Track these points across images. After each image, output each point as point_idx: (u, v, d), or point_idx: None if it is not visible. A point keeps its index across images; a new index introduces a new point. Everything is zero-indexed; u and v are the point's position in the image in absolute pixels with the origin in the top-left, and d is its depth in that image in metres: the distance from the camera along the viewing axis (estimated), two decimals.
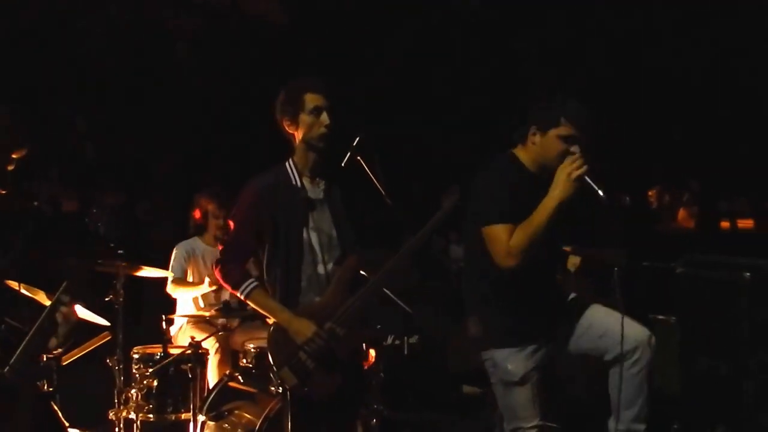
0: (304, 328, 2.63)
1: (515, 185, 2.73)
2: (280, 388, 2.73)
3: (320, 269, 2.73)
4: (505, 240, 2.62)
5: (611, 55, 9.18)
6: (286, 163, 2.80)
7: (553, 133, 2.71)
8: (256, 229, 2.72)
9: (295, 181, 2.75)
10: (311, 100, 2.71)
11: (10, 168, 2.21)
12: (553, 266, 2.99)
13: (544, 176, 2.73)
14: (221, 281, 2.80)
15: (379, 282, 2.82)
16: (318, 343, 2.62)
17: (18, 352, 2.03)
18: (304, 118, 2.71)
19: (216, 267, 2.77)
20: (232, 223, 2.82)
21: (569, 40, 9.25)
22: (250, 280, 2.70)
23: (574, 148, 2.67)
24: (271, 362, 2.67)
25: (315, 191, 2.78)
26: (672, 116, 9.31)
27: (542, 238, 2.61)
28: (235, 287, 2.71)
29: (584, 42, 9.27)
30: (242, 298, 2.71)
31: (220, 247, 2.95)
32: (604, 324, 2.87)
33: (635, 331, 2.81)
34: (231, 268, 2.72)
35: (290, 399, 2.66)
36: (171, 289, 4.28)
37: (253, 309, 2.86)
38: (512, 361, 2.78)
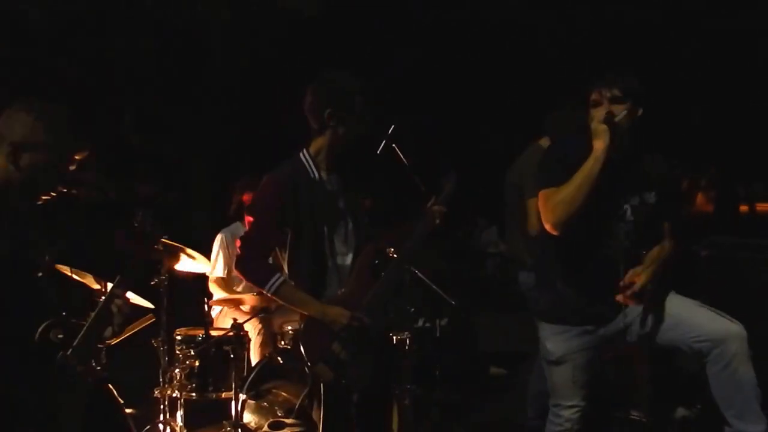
0: (339, 316, 2.63)
1: (571, 159, 2.66)
2: (313, 382, 2.71)
3: (340, 261, 2.73)
4: (545, 201, 2.62)
5: (630, 41, 9.16)
6: (301, 155, 2.76)
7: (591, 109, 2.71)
8: (279, 224, 2.67)
9: (314, 174, 2.73)
10: (360, 104, 2.71)
11: (72, 168, 2.20)
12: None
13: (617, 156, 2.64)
14: (244, 278, 2.78)
15: (398, 267, 2.83)
16: (355, 328, 2.62)
17: (79, 337, 2.09)
18: (350, 119, 2.70)
19: (237, 264, 2.72)
20: (251, 218, 2.77)
21: (591, 26, 9.24)
22: (277, 275, 2.65)
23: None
24: (305, 358, 2.64)
25: (332, 183, 2.77)
26: (691, 101, 9.27)
27: (584, 197, 2.54)
28: (262, 284, 2.66)
29: (604, 27, 9.25)
30: (269, 294, 2.66)
31: (238, 243, 2.76)
32: (676, 316, 2.71)
33: (714, 325, 2.64)
34: (254, 265, 2.69)
35: (324, 390, 2.66)
36: (212, 288, 4.36)
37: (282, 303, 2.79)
38: (552, 341, 2.79)
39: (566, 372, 2.79)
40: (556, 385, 2.86)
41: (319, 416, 2.72)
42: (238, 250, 2.73)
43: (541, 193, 2.67)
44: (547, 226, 2.64)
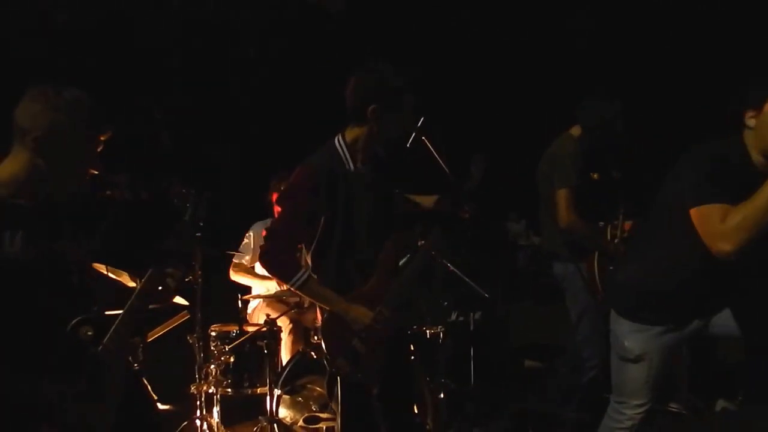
0: (361, 316, 2.61)
1: (734, 168, 2.40)
2: (333, 375, 2.70)
3: (367, 255, 2.67)
4: (718, 220, 2.31)
5: (662, 32, 9.02)
6: (336, 143, 2.66)
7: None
8: (310, 216, 2.59)
9: (348, 165, 2.64)
10: (409, 104, 2.62)
11: (100, 149, 2.19)
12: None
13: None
14: (268, 271, 2.69)
15: (420, 261, 2.79)
16: (375, 329, 2.60)
17: (111, 332, 2.11)
18: (397, 118, 2.61)
19: (261, 256, 2.62)
20: (280, 208, 2.71)
21: (621, 16, 9.12)
22: (302, 271, 2.58)
23: None
24: (326, 352, 2.65)
25: (366, 176, 2.68)
26: (727, 89, 9.08)
27: (765, 222, 2.25)
28: (287, 279, 2.58)
29: (634, 17, 9.12)
30: (293, 289, 2.60)
31: (264, 233, 2.66)
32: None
33: None
34: (281, 259, 2.60)
35: (341, 384, 2.66)
36: (233, 276, 4.40)
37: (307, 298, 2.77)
38: (631, 339, 2.66)
39: (641, 371, 2.66)
40: (625, 383, 2.72)
41: (337, 408, 2.72)
42: (264, 242, 2.64)
43: (703, 210, 2.35)
44: (717, 251, 2.33)
